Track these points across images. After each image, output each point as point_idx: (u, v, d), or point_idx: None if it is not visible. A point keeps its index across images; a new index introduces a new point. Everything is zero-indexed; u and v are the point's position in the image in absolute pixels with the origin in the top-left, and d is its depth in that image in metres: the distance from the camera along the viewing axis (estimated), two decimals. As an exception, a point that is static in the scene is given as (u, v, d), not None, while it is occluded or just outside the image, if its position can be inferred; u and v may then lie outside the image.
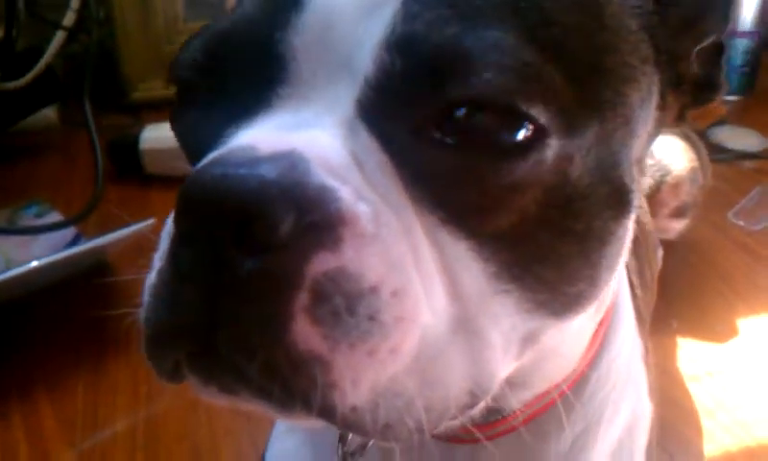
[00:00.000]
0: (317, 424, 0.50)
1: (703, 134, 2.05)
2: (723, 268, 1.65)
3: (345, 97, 0.51)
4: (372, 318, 0.46)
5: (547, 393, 0.69)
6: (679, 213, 1.47)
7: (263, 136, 0.50)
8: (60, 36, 2.06)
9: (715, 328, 1.48)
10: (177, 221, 0.48)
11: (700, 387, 1.35)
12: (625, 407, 0.79)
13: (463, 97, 0.49)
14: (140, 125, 2.10)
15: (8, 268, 1.46)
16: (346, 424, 0.48)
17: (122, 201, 1.83)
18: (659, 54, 0.62)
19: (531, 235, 0.52)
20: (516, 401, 0.68)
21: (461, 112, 0.49)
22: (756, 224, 1.76)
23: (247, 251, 0.45)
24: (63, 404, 1.32)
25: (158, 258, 0.51)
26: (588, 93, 0.54)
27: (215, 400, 0.52)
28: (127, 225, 1.52)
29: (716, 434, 1.28)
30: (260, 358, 0.46)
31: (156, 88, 2.37)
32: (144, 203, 1.83)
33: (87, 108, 1.76)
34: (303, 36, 0.53)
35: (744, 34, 2.42)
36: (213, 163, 0.48)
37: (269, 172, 0.46)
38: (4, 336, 1.47)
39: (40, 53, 2.07)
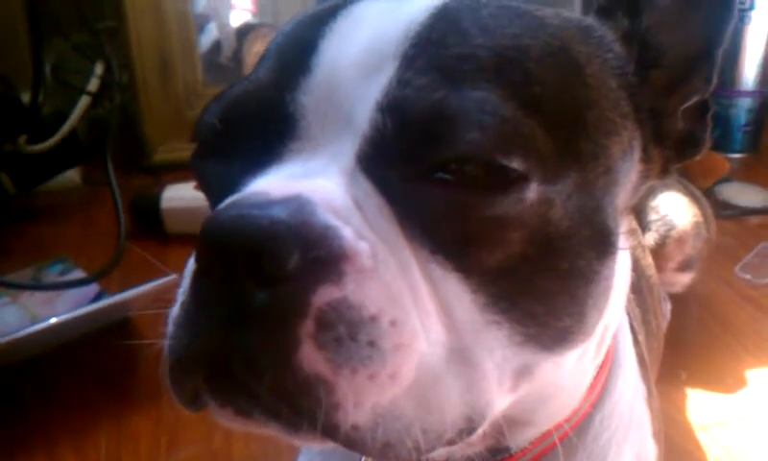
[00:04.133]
0: (322, 444, 0.54)
1: (709, 191, 2.09)
2: (730, 321, 1.66)
3: (347, 150, 0.57)
4: (372, 344, 0.51)
5: (552, 432, 0.72)
6: (684, 267, 1.50)
7: (274, 184, 0.56)
8: (84, 101, 2.13)
9: (724, 380, 1.49)
10: (196, 257, 0.54)
11: (709, 437, 1.36)
12: (629, 449, 0.82)
13: (448, 156, 0.54)
14: (161, 186, 2.15)
15: (33, 324, 1.50)
16: (348, 442, 0.52)
17: (143, 258, 1.86)
18: (639, 111, 0.67)
19: (517, 271, 0.57)
20: (521, 440, 0.71)
21: (447, 165, 0.55)
22: (761, 278, 1.78)
23: (258, 283, 0.50)
24: (86, 455, 1.34)
25: (182, 293, 0.56)
26: (569, 144, 0.59)
27: (232, 423, 0.56)
28: (148, 281, 1.55)
29: (725, 483, 1.29)
30: (270, 379, 0.51)
31: (177, 150, 2.41)
32: (164, 260, 1.84)
33: (110, 168, 1.82)
34: (311, 96, 0.59)
35: (747, 93, 2.48)
36: (229, 206, 0.54)
37: (278, 212, 0.51)
38: (29, 389, 1.50)
39: (65, 117, 2.14)
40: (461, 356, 0.56)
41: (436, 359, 0.55)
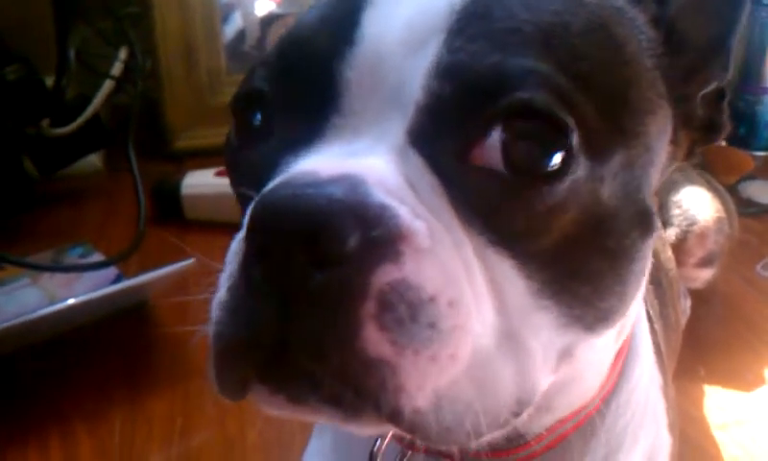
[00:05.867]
0: (379, 430, 0.54)
1: (733, 189, 2.06)
2: (751, 319, 1.65)
3: (395, 127, 0.56)
4: (431, 326, 0.50)
5: (569, 419, 0.72)
6: (706, 263, 1.48)
7: (323, 163, 0.54)
8: (107, 86, 2.14)
9: (744, 377, 1.47)
10: (249, 238, 0.51)
11: (727, 435, 1.35)
12: (644, 438, 0.81)
13: (505, 110, 0.54)
14: (182, 172, 2.16)
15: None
16: (411, 427, 0.51)
17: (163, 244, 1.87)
18: (671, 92, 0.67)
19: (569, 253, 0.57)
20: (537, 426, 0.70)
21: (503, 136, 0.54)
22: (784, 276, 1.76)
23: (318, 264, 0.49)
24: (101, 436, 1.36)
25: (228, 277, 0.54)
26: (614, 122, 0.59)
27: (280, 411, 0.54)
28: (166, 265, 1.56)
29: (743, 482, 1.28)
30: (334, 363, 0.49)
31: (199, 137, 2.42)
32: (184, 246, 1.86)
33: (132, 154, 1.82)
34: (355, 70, 0.57)
35: (774, 90, 2.44)
36: (282, 186, 0.52)
37: (335, 191, 0.50)
38: (45, 371, 1.51)
39: (88, 101, 2.15)
40: (510, 338, 0.55)
41: (487, 342, 0.54)
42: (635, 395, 0.79)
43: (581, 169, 0.55)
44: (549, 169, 0.54)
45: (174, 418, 1.39)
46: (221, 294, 0.54)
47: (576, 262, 0.57)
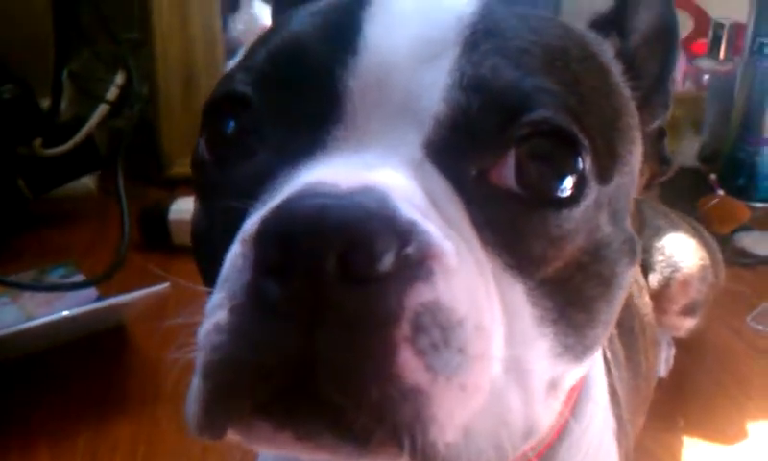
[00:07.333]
0: None
1: (728, 239, 2.04)
2: (738, 371, 1.61)
3: (409, 140, 0.53)
4: (461, 351, 0.47)
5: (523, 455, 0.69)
6: (688, 311, 1.45)
7: (338, 174, 0.50)
8: (101, 109, 2.14)
9: (724, 430, 1.44)
10: (263, 253, 0.46)
11: (704, 489, 1.32)
12: None
13: (528, 126, 0.53)
14: (173, 198, 2.14)
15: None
16: None
17: (146, 268, 1.86)
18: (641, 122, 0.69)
19: (569, 280, 0.55)
20: None
21: (520, 155, 0.53)
22: (774, 329, 1.73)
23: (349, 282, 0.44)
24: (61, 458, 1.33)
25: (228, 297, 0.48)
26: (611, 146, 0.59)
27: (281, 449, 0.50)
28: (143, 287, 1.54)
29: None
30: (372, 395, 0.45)
31: (195, 164, 2.42)
32: (168, 271, 1.85)
33: (120, 177, 1.82)
34: (359, 80, 0.54)
35: (773, 142, 2.40)
36: (300, 196, 0.47)
37: (368, 203, 0.46)
38: (13, 389, 1.49)
39: (83, 124, 2.15)
40: (515, 368, 0.53)
41: (498, 370, 0.51)
42: (587, 435, 0.77)
43: (592, 193, 0.55)
44: (565, 193, 0.54)
45: (137, 444, 1.36)
46: (219, 316, 0.48)
47: (574, 289, 0.56)
